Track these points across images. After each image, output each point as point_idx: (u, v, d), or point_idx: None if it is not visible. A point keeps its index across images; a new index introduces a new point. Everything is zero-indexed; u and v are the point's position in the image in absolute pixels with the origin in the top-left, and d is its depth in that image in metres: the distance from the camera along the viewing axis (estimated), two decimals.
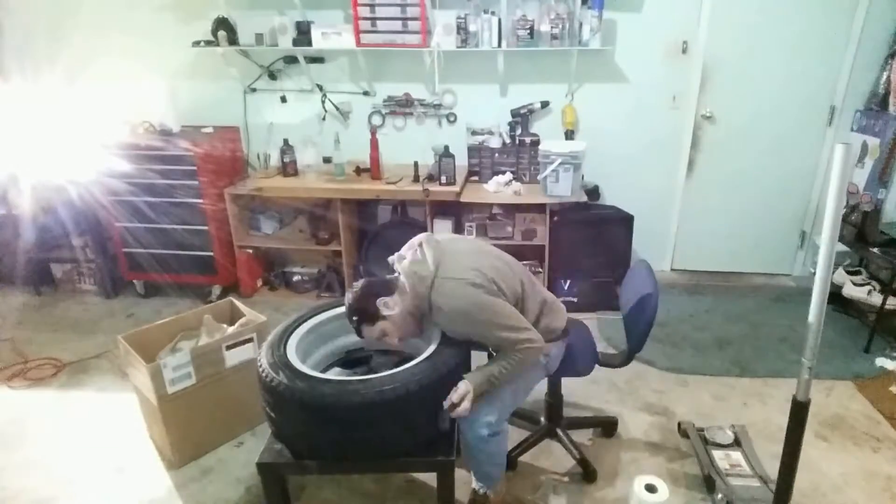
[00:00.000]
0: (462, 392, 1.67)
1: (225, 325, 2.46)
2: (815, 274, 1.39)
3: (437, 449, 1.70)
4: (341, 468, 1.83)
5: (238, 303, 2.56)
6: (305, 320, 1.93)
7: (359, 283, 1.82)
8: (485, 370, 1.73)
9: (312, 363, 1.88)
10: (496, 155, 3.51)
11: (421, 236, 1.86)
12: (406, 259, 1.80)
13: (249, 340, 2.32)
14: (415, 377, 1.61)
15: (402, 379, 1.60)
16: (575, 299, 3.43)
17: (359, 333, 1.82)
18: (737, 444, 2.21)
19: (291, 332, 1.86)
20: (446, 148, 3.33)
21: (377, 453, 1.67)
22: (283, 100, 3.72)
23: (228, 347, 2.27)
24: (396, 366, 1.73)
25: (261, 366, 1.69)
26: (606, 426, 2.44)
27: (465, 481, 2.11)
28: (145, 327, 2.37)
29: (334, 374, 1.91)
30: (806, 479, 2.10)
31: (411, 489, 2.12)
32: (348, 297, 1.80)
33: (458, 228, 3.48)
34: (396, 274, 1.81)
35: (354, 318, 1.78)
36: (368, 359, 2.03)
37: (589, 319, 3.33)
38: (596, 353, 2.16)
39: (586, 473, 2.16)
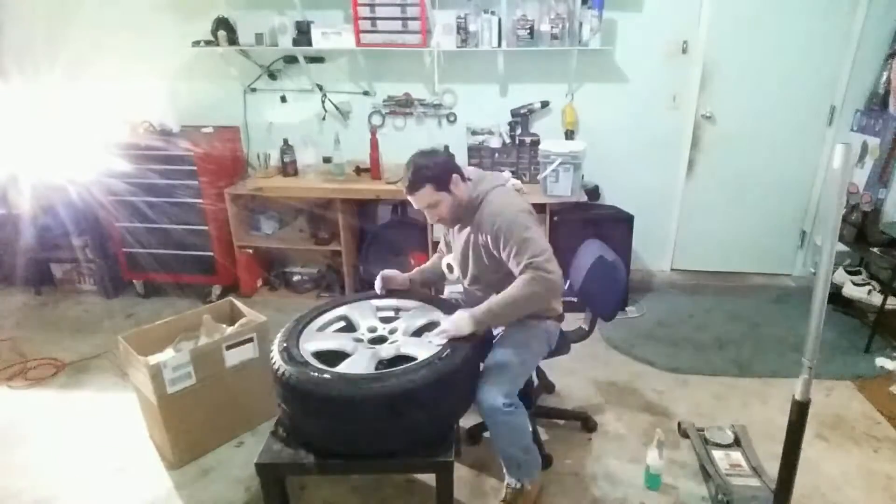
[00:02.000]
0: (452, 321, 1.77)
1: (224, 326, 2.46)
2: (815, 274, 1.39)
3: (437, 450, 1.70)
4: (340, 468, 1.82)
5: (238, 303, 2.56)
6: (317, 315, 1.95)
7: (437, 152, 1.96)
8: (488, 301, 1.81)
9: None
10: (496, 155, 3.51)
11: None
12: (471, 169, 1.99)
13: (249, 340, 2.32)
14: (424, 373, 1.61)
15: (416, 372, 1.60)
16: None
17: (412, 190, 1.86)
18: (737, 444, 2.21)
19: (306, 325, 1.87)
20: (446, 148, 3.33)
21: (390, 447, 1.66)
22: (283, 100, 3.72)
23: (228, 347, 2.27)
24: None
25: (273, 360, 1.70)
26: (584, 421, 2.42)
27: (465, 482, 2.12)
28: (145, 327, 2.38)
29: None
30: (806, 479, 2.10)
31: (411, 489, 2.12)
32: (426, 158, 1.87)
33: None
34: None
35: (427, 177, 1.83)
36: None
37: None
38: (565, 334, 2.21)
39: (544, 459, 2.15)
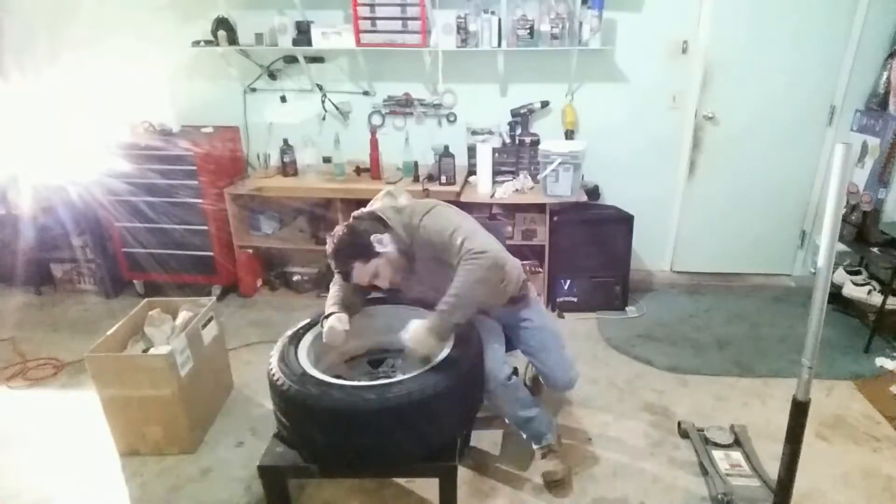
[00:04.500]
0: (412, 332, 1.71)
1: (169, 316, 2.51)
2: (815, 274, 1.39)
3: (440, 455, 1.70)
4: (343, 472, 1.82)
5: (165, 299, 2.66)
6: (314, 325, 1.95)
7: (343, 225, 1.83)
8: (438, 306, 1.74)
9: (324, 366, 1.90)
10: (496, 155, 3.51)
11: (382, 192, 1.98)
12: (377, 204, 1.90)
13: (212, 319, 2.50)
14: (430, 382, 1.60)
15: (419, 383, 1.60)
16: (575, 299, 3.43)
17: (346, 277, 1.80)
18: (737, 444, 2.21)
19: (303, 335, 1.87)
20: (446, 148, 3.33)
21: (389, 459, 1.67)
22: (283, 100, 3.72)
23: (203, 326, 2.41)
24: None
25: (272, 370, 1.69)
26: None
27: (465, 482, 2.12)
28: (99, 341, 2.25)
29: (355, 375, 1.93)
30: (806, 479, 2.09)
31: (412, 490, 2.11)
32: (336, 236, 1.79)
33: None
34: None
35: (348, 257, 1.76)
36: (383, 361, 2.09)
37: (589, 319, 3.35)
38: None
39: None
